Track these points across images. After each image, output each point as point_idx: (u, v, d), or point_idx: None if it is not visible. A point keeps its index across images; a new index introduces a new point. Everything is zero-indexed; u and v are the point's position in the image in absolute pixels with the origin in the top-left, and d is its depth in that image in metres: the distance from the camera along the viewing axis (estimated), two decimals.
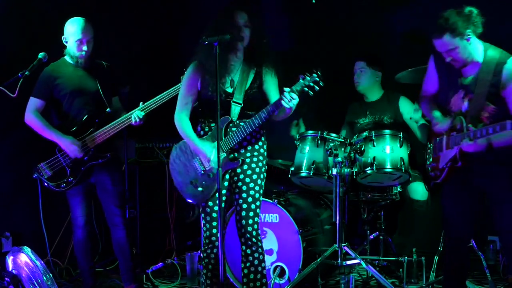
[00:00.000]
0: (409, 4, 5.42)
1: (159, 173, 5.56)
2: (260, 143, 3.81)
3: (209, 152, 3.69)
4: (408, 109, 4.89)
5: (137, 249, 5.35)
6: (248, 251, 3.77)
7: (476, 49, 3.53)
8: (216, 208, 3.74)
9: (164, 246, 5.74)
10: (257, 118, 3.63)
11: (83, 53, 4.30)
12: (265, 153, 3.84)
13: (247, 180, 3.74)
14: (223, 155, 3.67)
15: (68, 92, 4.30)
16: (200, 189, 3.76)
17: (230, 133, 3.69)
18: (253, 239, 3.76)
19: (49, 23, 5.11)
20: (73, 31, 4.28)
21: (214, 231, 3.75)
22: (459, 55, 3.52)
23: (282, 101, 3.51)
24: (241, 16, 3.67)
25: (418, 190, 4.73)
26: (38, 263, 3.45)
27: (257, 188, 3.75)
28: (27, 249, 3.53)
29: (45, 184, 4.31)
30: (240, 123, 3.68)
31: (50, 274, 3.45)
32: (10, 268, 3.51)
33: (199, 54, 3.70)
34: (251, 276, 3.78)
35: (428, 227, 4.77)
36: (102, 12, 5.37)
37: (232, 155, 3.70)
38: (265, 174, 3.83)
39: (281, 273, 4.50)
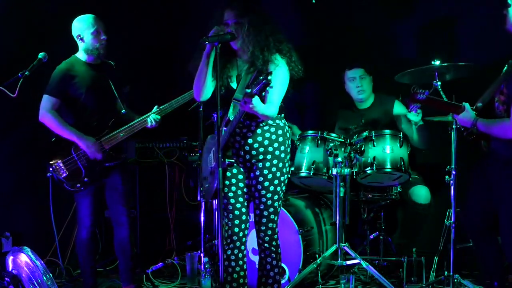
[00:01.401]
0: (409, 6, 5.42)
1: (159, 173, 5.57)
2: (276, 145, 3.65)
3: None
4: (403, 113, 4.90)
5: (137, 249, 5.36)
6: (262, 254, 3.75)
7: None
8: (238, 205, 3.71)
9: (164, 246, 5.75)
10: (233, 120, 3.56)
11: (103, 42, 4.31)
12: (283, 155, 3.67)
13: (259, 187, 3.65)
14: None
15: (84, 91, 4.26)
16: (206, 185, 3.76)
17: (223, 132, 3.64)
18: (266, 245, 3.71)
19: (49, 23, 5.12)
20: (87, 25, 4.28)
21: (236, 229, 3.71)
22: (508, 14, 3.51)
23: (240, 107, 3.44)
24: (227, 14, 3.61)
25: (421, 194, 4.71)
26: (38, 263, 3.44)
27: (269, 195, 3.64)
28: (27, 249, 3.52)
29: (59, 182, 4.25)
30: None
31: (50, 274, 3.44)
32: (10, 268, 3.50)
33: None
34: (263, 279, 3.75)
35: (429, 227, 4.77)
36: (102, 12, 5.35)
37: (228, 160, 3.51)
38: (282, 178, 3.67)
39: (281, 273, 4.49)
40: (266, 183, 3.64)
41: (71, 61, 4.34)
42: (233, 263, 3.72)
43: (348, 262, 4.35)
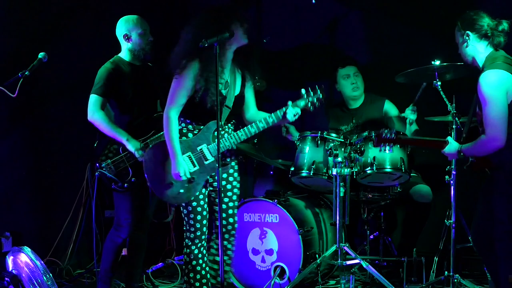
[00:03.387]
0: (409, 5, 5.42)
1: None
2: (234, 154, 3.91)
3: (181, 168, 3.66)
4: (393, 112, 4.92)
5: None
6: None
7: (477, 54, 3.60)
8: (199, 209, 3.78)
9: (164, 246, 5.74)
10: (254, 127, 3.66)
11: (150, 43, 4.32)
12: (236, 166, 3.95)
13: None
14: (211, 159, 3.73)
15: (130, 91, 4.26)
16: (182, 190, 3.74)
17: (222, 138, 3.69)
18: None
19: (49, 23, 5.11)
20: (134, 25, 4.29)
21: (198, 233, 3.80)
22: (461, 50, 3.67)
23: (287, 115, 3.62)
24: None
25: (423, 193, 4.70)
26: (38, 263, 3.44)
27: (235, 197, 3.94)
28: (27, 249, 3.52)
29: (107, 182, 4.20)
30: (232, 131, 3.78)
31: (50, 274, 3.45)
32: (10, 268, 3.51)
33: (200, 54, 3.61)
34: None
35: (429, 227, 4.77)
36: (102, 12, 5.37)
37: (226, 161, 3.76)
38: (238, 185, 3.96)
39: (281, 273, 4.50)
40: (229, 193, 3.89)
41: (116, 61, 4.31)
42: (194, 262, 3.82)
43: (348, 262, 4.35)
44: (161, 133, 4.23)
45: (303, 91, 3.71)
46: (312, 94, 3.70)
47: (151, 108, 4.36)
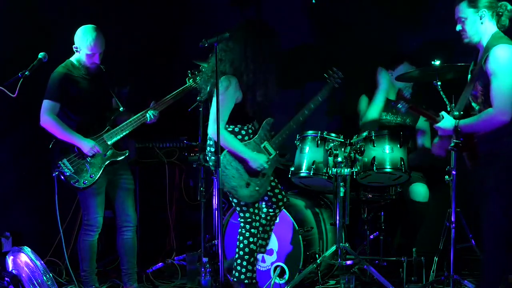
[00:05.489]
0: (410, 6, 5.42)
1: (159, 173, 5.56)
2: None
3: (261, 158, 4.04)
4: (424, 126, 4.96)
5: (137, 249, 5.35)
6: None
7: (485, 33, 3.62)
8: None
9: (164, 246, 5.74)
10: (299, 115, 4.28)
11: (94, 65, 4.35)
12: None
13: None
14: (274, 153, 4.17)
15: (83, 93, 4.32)
16: (257, 188, 4.02)
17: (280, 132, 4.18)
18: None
19: (49, 23, 5.12)
20: (86, 43, 4.28)
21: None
22: (467, 27, 3.66)
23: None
24: None
25: (420, 192, 4.71)
26: (38, 263, 3.45)
27: None
28: (27, 249, 3.53)
29: (65, 181, 4.27)
30: (291, 123, 4.22)
31: (50, 274, 3.45)
32: (10, 268, 3.51)
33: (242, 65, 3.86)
34: None
35: (429, 227, 4.77)
36: (102, 12, 5.37)
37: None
38: None
39: (281, 273, 4.50)
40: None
41: (67, 65, 4.37)
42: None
43: (348, 262, 4.35)
44: (116, 128, 4.35)
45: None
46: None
47: (107, 106, 4.45)
